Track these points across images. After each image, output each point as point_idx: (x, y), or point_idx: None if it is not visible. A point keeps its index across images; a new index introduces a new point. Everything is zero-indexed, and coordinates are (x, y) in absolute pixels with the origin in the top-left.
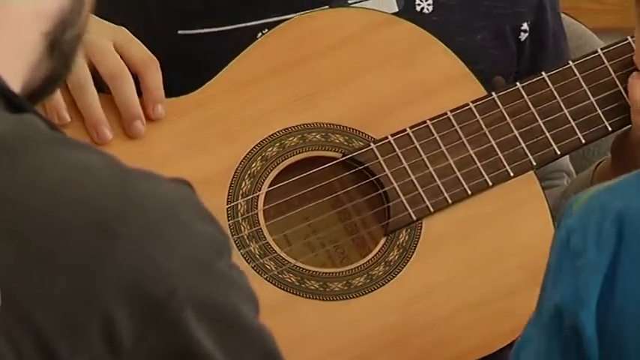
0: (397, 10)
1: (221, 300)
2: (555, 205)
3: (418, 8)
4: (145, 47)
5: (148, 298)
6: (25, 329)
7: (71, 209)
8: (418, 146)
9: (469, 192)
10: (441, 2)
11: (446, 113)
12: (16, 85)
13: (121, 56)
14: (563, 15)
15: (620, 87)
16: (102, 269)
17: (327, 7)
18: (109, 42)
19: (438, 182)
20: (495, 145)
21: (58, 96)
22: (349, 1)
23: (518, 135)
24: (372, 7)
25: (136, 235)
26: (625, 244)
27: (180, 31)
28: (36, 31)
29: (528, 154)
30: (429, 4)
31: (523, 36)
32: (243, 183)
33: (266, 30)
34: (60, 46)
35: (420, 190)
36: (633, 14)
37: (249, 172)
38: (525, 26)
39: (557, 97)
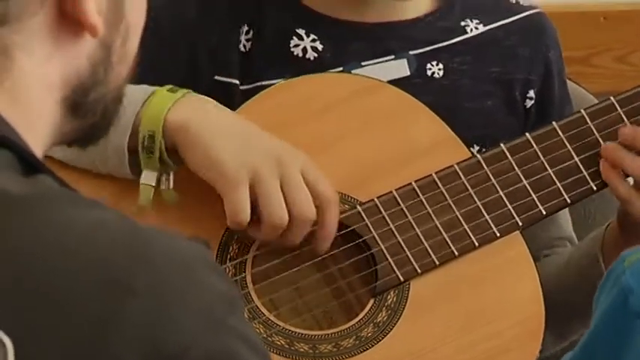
0: (409, 74)
1: (234, 356)
2: (560, 274)
3: (429, 73)
4: (319, 183)
5: (162, 354)
6: None
7: (87, 266)
8: (404, 208)
9: (456, 253)
10: (451, 67)
11: (431, 175)
12: (37, 145)
13: (285, 197)
14: (567, 81)
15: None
16: (116, 325)
17: (340, 68)
18: (275, 177)
19: (425, 244)
20: (481, 207)
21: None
22: (363, 63)
23: (503, 196)
24: (384, 70)
25: (151, 292)
26: None
27: (217, 77)
28: (50, 100)
29: (514, 214)
30: (439, 69)
31: (529, 103)
32: (231, 247)
33: None
34: (85, 107)
35: (408, 251)
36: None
37: (236, 236)
38: (532, 93)
39: (542, 158)
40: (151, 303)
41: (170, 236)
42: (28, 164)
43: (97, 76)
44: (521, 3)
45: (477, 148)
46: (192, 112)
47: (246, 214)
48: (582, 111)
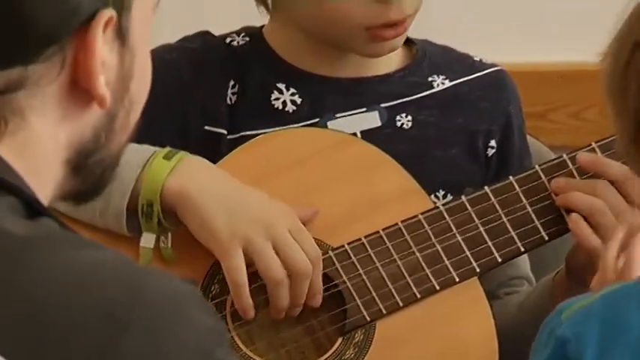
0: (380, 124)
1: None
2: (518, 313)
3: (398, 124)
4: (307, 242)
5: None
6: None
7: (86, 302)
8: (372, 254)
9: (418, 296)
10: (419, 119)
11: (397, 224)
12: (41, 196)
13: (280, 256)
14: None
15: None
16: (112, 357)
17: (317, 120)
18: (266, 241)
19: (390, 287)
20: (442, 253)
21: (247, 296)
22: (337, 115)
23: (463, 244)
24: (357, 121)
25: (145, 326)
26: (618, 351)
27: (206, 127)
28: (56, 159)
29: (472, 261)
30: (408, 121)
31: (490, 152)
32: (213, 287)
33: None
34: (86, 169)
35: (374, 293)
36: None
37: (218, 276)
38: (493, 143)
39: (499, 210)
40: (144, 337)
41: (163, 275)
42: (32, 209)
43: (99, 141)
44: (482, 60)
45: (442, 192)
46: (188, 179)
47: (243, 276)
48: (537, 167)
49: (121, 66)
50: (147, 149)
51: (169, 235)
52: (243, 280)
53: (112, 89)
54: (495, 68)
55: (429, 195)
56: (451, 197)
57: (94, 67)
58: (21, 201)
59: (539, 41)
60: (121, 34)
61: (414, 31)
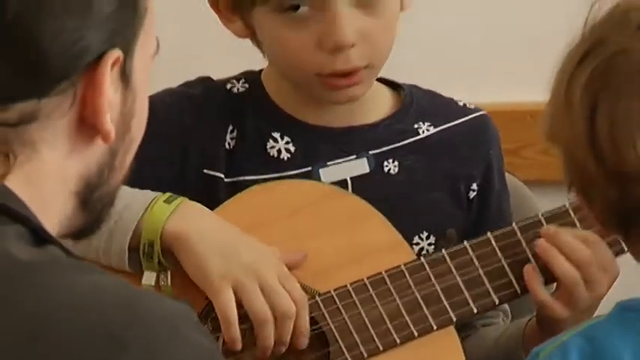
0: (368, 171)
1: None
2: (493, 348)
3: (386, 169)
4: (293, 287)
5: None
6: None
7: (86, 323)
8: (356, 300)
9: (398, 341)
10: (405, 164)
11: (381, 272)
12: (48, 225)
13: (266, 299)
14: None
15: (531, 257)
16: None
17: (309, 167)
18: (255, 284)
19: (372, 332)
20: (422, 302)
21: (235, 330)
22: (328, 163)
23: (441, 294)
24: (347, 168)
25: (143, 345)
26: None
27: (205, 170)
28: (64, 191)
29: (449, 311)
30: (395, 166)
31: (472, 194)
32: (206, 325)
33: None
34: (92, 203)
35: (357, 337)
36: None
37: (211, 316)
38: (474, 186)
39: (476, 263)
40: (143, 356)
41: (158, 297)
42: (39, 237)
43: (103, 177)
44: (466, 105)
45: (425, 234)
46: (186, 223)
47: (233, 312)
48: (514, 224)
49: (124, 105)
50: (149, 194)
51: (169, 273)
52: (233, 316)
53: (115, 127)
54: (478, 113)
55: (414, 236)
56: (434, 238)
57: (101, 104)
58: (28, 229)
59: (513, 83)
60: (125, 76)
61: (391, 71)
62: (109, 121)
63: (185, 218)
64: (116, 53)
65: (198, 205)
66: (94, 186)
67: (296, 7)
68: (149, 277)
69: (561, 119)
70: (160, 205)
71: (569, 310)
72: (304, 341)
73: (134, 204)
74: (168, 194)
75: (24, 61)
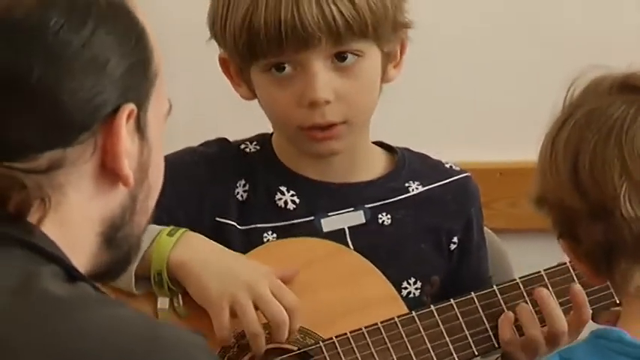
0: (364, 222)
1: None
2: None
3: (380, 221)
4: (285, 296)
5: None
6: None
7: (112, 351)
8: (354, 347)
9: None
10: (397, 218)
11: (377, 323)
12: (78, 262)
13: (261, 310)
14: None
15: (510, 315)
16: None
17: (311, 217)
18: (248, 300)
19: None
20: (412, 352)
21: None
22: (329, 214)
23: (429, 345)
24: (345, 219)
25: None
26: None
27: (217, 218)
28: (90, 231)
29: (434, 357)
30: (388, 219)
31: (452, 246)
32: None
33: (270, 231)
34: (116, 242)
35: None
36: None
37: (228, 354)
38: (455, 239)
39: (460, 319)
40: None
41: (174, 328)
42: (71, 275)
43: (125, 218)
44: (452, 167)
45: (413, 280)
46: (187, 252)
47: (227, 332)
48: (495, 287)
49: (141, 155)
50: (154, 228)
51: (179, 296)
52: (225, 333)
53: (134, 174)
54: (463, 175)
55: (403, 281)
56: (420, 284)
57: (119, 151)
58: (61, 268)
59: (485, 144)
60: (141, 129)
61: (376, 134)
62: (127, 166)
63: (186, 248)
64: (130, 106)
65: (198, 235)
66: (118, 226)
67: (282, 68)
68: (163, 302)
69: (548, 174)
70: (164, 238)
71: (525, 356)
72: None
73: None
74: (170, 227)
75: (49, 116)
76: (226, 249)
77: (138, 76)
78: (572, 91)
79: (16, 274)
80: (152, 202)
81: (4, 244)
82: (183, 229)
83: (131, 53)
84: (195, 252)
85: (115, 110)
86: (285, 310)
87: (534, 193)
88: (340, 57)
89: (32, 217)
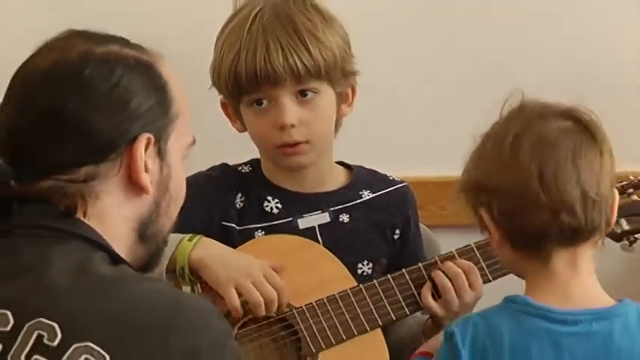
0: (329, 220)
1: None
2: (408, 330)
3: (340, 220)
4: (274, 280)
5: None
6: None
7: (150, 315)
8: (318, 312)
9: (344, 337)
10: (353, 217)
11: (334, 295)
12: (117, 249)
13: (258, 290)
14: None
15: (429, 282)
16: (164, 348)
17: (290, 218)
18: (248, 282)
19: (328, 332)
20: (360, 313)
21: (239, 311)
22: (303, 215)
23: (372, 307)
24: (315, 219)
25: (183, 329)
26: (493, 350)
27: (222, 222)
28: (126, 227)
29: (377, 318)
30: (347, 218)
31: (395, 237)
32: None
33: (260, 230)
34: (148, 236)
35: (318, 335)
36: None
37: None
38: (397, 232)
39: (395, 288)
40: (183, 336)
41: (193, 296)
42: (115, 259)
43: (152, 218)
44: (394, 179)
45: (366, 262)
46: (202, 252)
47: (236, 303)
48: (420, 264)
49: (160, 173)
50: (177, 236)
51: (198, 285)
52: (237, 305)
53: (156, 185)
54: (402, 185)
55: (358, 263)
56: (371, 264)
57: (138, 168)
58: (107, 254)
59: (421, 163)
60: (161, 155)
61: (341, 154)
62: (146, 179)
63: (202, 249)
64: (148, 136)
65: (210, 239)
66: (147, 224)
67: (260, 102)
68: (186, 289)
69: (508, 173)
70: (185, 243)
71: (445, 312)
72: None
73: (170, 242)
74: (190, 235)
75: (82, 141)
76: (230, 248)
77: (157, 114)
78: (507, 108)
79: (74, 260)
80: (175, 209)
81: (63, 237)
82: (200, 236)
83: (151, 98)
84: (208, 251)
85: (136, 138)
86: (275, 289)
87: (474, 182)
88: (302, 93)
89: (78, 215)
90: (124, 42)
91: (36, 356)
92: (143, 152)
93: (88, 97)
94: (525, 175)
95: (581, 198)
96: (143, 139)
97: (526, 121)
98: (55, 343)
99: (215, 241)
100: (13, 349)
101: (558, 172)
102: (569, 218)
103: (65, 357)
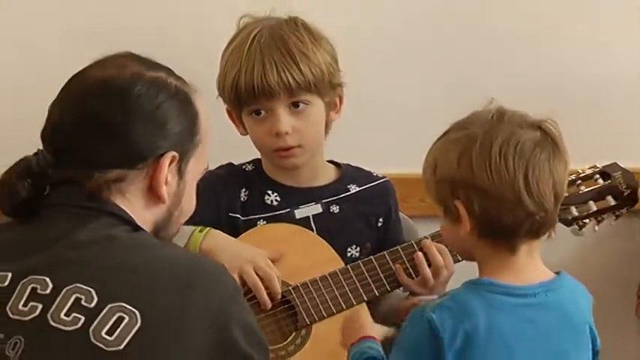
0: (321, 211)
1: (245, 318)
2: (389, 305)
3: (331, 210)
4: (268, 266)
5: (215, 321)
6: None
7: (169, 272)
8: (312, 289)
9: (334, 311)
10: (342, 207)
11: (325, 274)
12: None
13: (258, 275)
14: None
15: (407, 263)
16: (186, 302)
17: (288, 209)
18: (250, 268)
19: (320, 307)
20: (348, 290)
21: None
22: (299, 207)
23: (358, 285)
24: (309, 210)
25: (201, 285)
26: (466, 324)
27: (229, 214)
28: (147, 224)
29: (362, 294)
30: (337, 209)
31: (379, 224)
32: None
33: (262, 220)
34: (161, 233)
35: (311, 309)
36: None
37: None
38: (381, 220)
39: (378, 268)
40: (201, 292)
41: (210, 260)
42: (137, 229)
43: (164, 224)
44: (377, 175)
45: (354, 246)
46: (211, 242)
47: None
48: (398, 247)
49: (177, 188)
50: (189, 228)
51: None
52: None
53: (171, 197)
54: (384, 179)
55: (347, 247)
56: (359, 248)
57: (160, 180)
58: (131, 226)
59: (403, 161)
60: (180, 172)
61: (331, 153)
62: (164, 191)
63: (211, 240)
64: (173, 154)
65: (217, 231)
66: (160, 229)
67: (259, 113)
68: None
69: (496, 175)
70: (196, 234)
71: (422, 288)
72: (277, 298)
73: (183, 234)
74: (200, 227)
75: (120, 147)
76: (235, 239)
77: (185, 138)
78: (478, 111)
79: (103, 231)
80: (182, 220)
81: (93, 213)
82: (209, 228)
83: (183, 123)
84: (216, 242)
85: (163, 154)
86: (264, 279)
87: (457, 178)
88: (294, 105)
89: (105, 198)
90: (169, 71)
91: (75, 314)
92: (167, 167)
93: (132, 112)
94: (512, 178)
95: (554, 200)
96: (169, 156)
97: (508, 130)
98: (92, 304)
99: (222, 233)
100: (53, 308)
101: (539, 177)
102: (541, 217)
103: (101, 315)
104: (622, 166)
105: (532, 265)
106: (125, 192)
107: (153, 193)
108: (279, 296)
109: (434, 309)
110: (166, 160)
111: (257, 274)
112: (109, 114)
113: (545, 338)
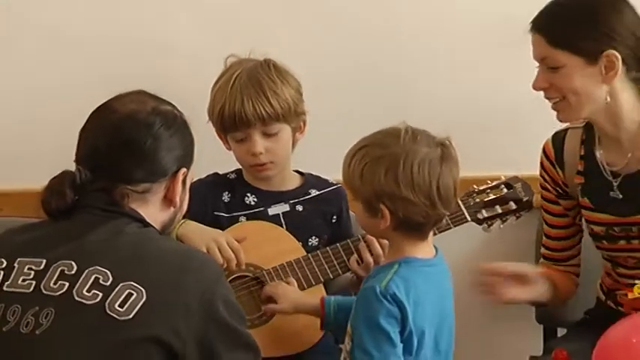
0: (289, 209)
1: (227, 296)
2: (339, 285)
3: (297, 209)
4: (233, 244)
5: (204, 297)
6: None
7: (171, 261)
8: (280, 272)
9: (305, 286)
10: (305, 207)
11: (291, 260)
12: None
13: (220, 249)
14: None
15: (355, 253)
16: (182, 283)
17: (262, 208)
18: (214, 246)
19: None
20: (308, 273)
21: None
22: (272, 206)
23: (317, 270)
24: (278, 208)
25: (194, 271)
26: (411, 293)
27: (215, 212)
28: (158, 225)
29: (320, 276)
30: (300, 208)
31: (333, 220)
32: None
33: (243, 217)
34: (166, 230)
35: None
36: None
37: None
38: (335, 217)
39: (332, 256)
40: (195, 277)
41: (201, 252)
42: (147, 226)
43: (170, 223)
44: (332, 182)
45: (314, 237)
46: (186, 229)
47: None
48: (349, 240)
49: (182, 194)
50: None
51: None
52: None
53: (178, 203)
54: (338, 185)
55: (309, 238)
56: (317, 239)
57: (176, 190)
58: (142, 224)
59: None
60: (184, 183)
61: (297, 164)
62: (178, 198)
63: (185, 227)
64: (184, 170)
65: (192, 221)
66: (167, 227)
67: (239, 137)
68: None
69: (417, 188)
70: (176, 225)
71: (365, 272)
72: (242, 266)
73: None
74: (184, 220)
75: (150, 167)
76: (204, 226)
77: (189, 157)
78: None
79: (119, 228)
80: (180, 217)
81: (114, 215)
82: (185, 219)
83: (188, 146)
84: (189, 228)
85: (178, 170)
86: (233, 251)
87: (387, 191)
88: (267, 131)
89: (126, 205)
90: (173, 105)
91: (94, 291)
92: (181, 180)
93: (157, 139)
94: (428, 189)
95: (456, 204)
96: (183, 171)
97: (422, 150)
98: (108, 283)
99: (195, 222)
100: (77, 285)
101: (446, 186)
102: (445, 214)
103: (115, 291)
104: (520, 177)
105: (430, 244)
106: (148, 200)
107: (167, 200)
108: (242, 263)
109: (390, 285)
110: (181, 175)
111: (221, 248)
112: (142, 142)
113: (439, 288)
